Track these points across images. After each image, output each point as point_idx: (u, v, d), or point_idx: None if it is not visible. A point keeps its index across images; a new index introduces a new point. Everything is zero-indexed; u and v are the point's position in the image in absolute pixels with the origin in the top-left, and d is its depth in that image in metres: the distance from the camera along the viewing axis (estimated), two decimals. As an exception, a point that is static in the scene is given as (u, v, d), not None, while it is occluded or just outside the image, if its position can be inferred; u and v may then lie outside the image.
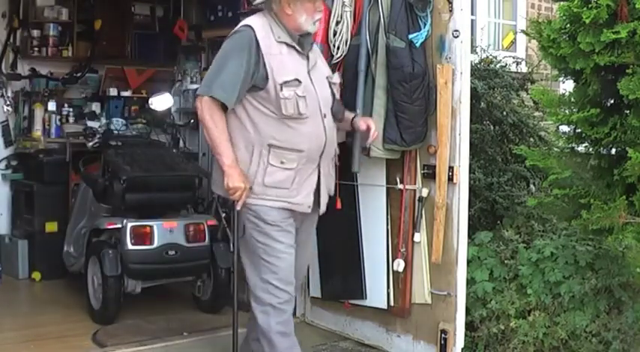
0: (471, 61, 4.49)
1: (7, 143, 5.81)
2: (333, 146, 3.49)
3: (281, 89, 3.27)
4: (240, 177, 3.28)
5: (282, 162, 3.31)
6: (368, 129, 3.58)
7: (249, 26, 3.33)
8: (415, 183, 3.85)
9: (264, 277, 3.38)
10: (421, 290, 3.83)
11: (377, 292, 4.01)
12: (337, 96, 3.56)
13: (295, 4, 3.33)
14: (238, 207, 3.34)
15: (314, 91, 3.37)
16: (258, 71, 3.28)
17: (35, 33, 5.89)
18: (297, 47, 3.38)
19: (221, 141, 3.28)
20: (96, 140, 4.90)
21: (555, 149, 4.24)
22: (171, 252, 4.44)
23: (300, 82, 3.32)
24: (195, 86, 5.98)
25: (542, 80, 5.88)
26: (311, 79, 3.38)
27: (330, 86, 3.51)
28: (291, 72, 3.32)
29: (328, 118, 3.43)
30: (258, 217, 3.34)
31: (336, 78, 3.60)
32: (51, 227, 5.44)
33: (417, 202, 3.84)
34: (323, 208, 3.51)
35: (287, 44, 3.36)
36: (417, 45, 3.66)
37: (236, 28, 3.38)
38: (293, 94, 3.29)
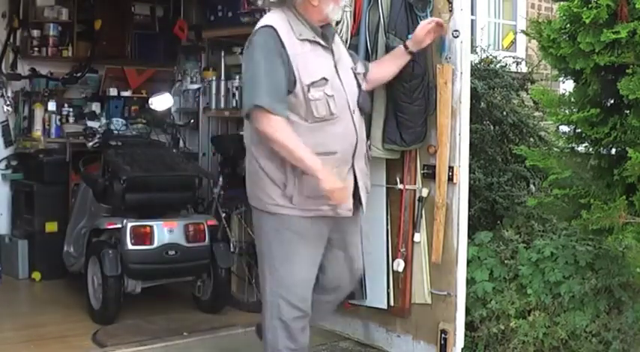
0: (471, 61, 4.49)
1: (7, 143, 5.81)
2: (364, 142, 3.32)
3: (308, 90, 3.09)
4: (333, 175, 3.09)
5: None
6: (432, 32, 3.47)
7: (271, 26, 3.11)
8: (415, 183, 3.85)
9: (276, 290, 3.22)
10: (421, 290, 3.83)
11: (377, 292, 4.00)
12: (363, 87, 3.38)
13: None
14: (340, 211, 3.17)
15: (342, 88, 3.19)
16: (289, 74, 3.09)
17: (35, 33, 5.88)
18: (322, 41, 3.19)
19: (297, 147, 3.05)
20: (96, 140, 4.90)
21: (555, 149, 4.24)
22: (171, 252, 4.44)
23: (327, 80, 3.13)
24: (195, 86, 5.99)
25: (542, 80, 5.88)
26: (338, 74, 3.20)
27: (356, 77, 3.32)
28: (318, 71, 3.13)
29: (357, 114, 3.25)
30: (287, 227, 3.17)
31: (360, 67, 3.42)
32: (51, 227, 5.44)
33: (416, 202, 3.84)
34: (365, 208, 3.36)
35: (309, 41, 3.15)
36: (417, 45, 3.66)
37: (256, 30, 3.15)
38: (322, 95, 3.10)
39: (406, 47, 3.53)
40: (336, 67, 3.22)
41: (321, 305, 3.45)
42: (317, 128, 3.12)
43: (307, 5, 3.17)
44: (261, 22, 3.18)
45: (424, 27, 3.51)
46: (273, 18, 3.17)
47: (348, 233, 3.37)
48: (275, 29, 3.10)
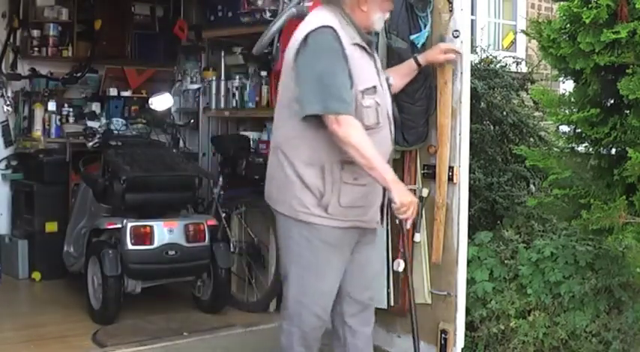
0: (471, 61, 4.49)
1: (7, 143, 5.80)
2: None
3: (362, 97, 2.99)
4: (407, 189, 3.04)
5: (355, 179, 3.01)
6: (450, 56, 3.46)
7: (330, 27, 2.96)
8: (415, 183, 3.85)
9: (301, 299, 3.12)
10: (421, 290, 3.83)
11: (377, 292, 3.99)
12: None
13: (374, 1, 3.07)
14: (408, 226, 3.12)
15: (384, 97, 3.12)
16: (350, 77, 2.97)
17: (35, 33, 5.87)
18: (368, 48, 3.10)
19: (374, 155, 2.93)
20: (96, 140, 4.89)
21: (555, 149, 4.25)
22: (171, 252, 4.43)
23: (375, 88, 3.05)
24: (195, 86, 5.98)
25: (542, 80, 5.89)
26: (380, 83, 3.12)
27: (389, 87, 3.25)
28: (369, 78, 3.04)
29: (392, 124, 3.19)
30: (319, 237, 3.04)
31: (392, 79, 3.35)
32: (51, 227, 5.43)
33: (417, 202, 3.83)
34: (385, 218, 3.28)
35: (359, 45, 3.05)
36: (419, 46, 3.67)
37: (315, 28, 2.97)
38: (374, 102, 3.02)
39: (419, 65, 3.53)
40: (378, 75, 3.15)
41: (346, 320, 3.29)
42: None
43: (355, 9, 3.07)
44: (317, 21, 3.01)
45: (441, 55, 3.51)
46: (327, 17, 3.02)
47: (362, 242, 3.25)
48: (335, 30, 2.97)
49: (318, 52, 2.95)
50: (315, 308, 3.13)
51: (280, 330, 3.23)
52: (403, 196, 2.97)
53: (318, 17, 3.04)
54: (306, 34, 2.97)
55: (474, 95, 4.58)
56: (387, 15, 3.21)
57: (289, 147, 3.05)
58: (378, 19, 3.13)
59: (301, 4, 3.88)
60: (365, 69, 3.05)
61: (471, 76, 3.96)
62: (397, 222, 3.16)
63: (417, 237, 3.82)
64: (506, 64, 5.67)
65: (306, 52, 2.97)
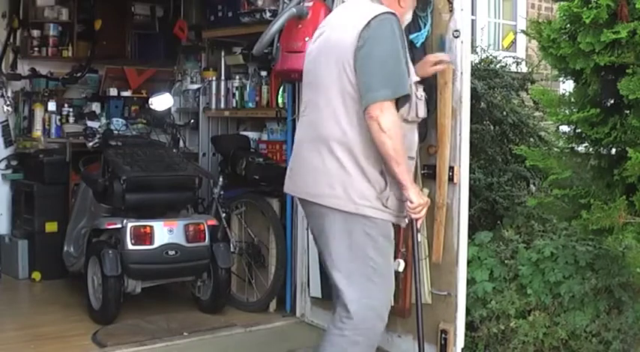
0: (471, 61, 4.49)
1: (7, 143, 5.81)
2: None
3: (416, 89, 3.02)
4: (420, 189, 3.07)
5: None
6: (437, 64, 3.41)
7: (394, 14, 2.92)
8: (415, 183, 3.84)
9: (372, 303, 2.98)
10: (421, 290, 3.82)
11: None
12: None
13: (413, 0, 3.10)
14: (419, 226, 3.14)
15: None
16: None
17: (35, 33, 5.88)
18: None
19: (404, 152, 2.91)
20: (96, 140, 4.90)
21: (555, 149, 4.24)
22: (171, 252, 4.43)
23: (420, 82, 3.10)
24: (195, 86, 5.99)
25: (542, 80, 5.89)
26: None
27: None
28: (414, 72, 3.07)
29: None
30: (380, 232, 2.98)
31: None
32: (51, 227, 5.43)
33: (417, 202, 3.83)
34: None
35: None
36: (418, 45, 3.66)
37: (383, 13, 2.90)
38: (423, 94, 3.06)
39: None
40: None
41: None
42: (408, 130, 3.02)
43: (395, 6, 3.06)
44: (374, 9, 2.94)
45: (431, 68, 3.47)
46: (380, 7, 2.96)
47: None
48: (397, 17, 2.94)
49: (384, 37, 2.88)
50: (384, 311, 3.04)
51: (340, 337, 2.99)
52: (419, 196, 3.00)
53: (371, 6, 2.96)
54: (370, 20, 2.88)
55: (474, 95, 4.59)
56: (411, 16, 3.22)
57: (346, 139, 2.93)
58: (407, 20, 3.15)
59: (301, 4, 3.89)
60: (411, 63, 3.05)
61: (471, 76, 3.95)
62: (407, 221, 3.15)
63: (418, 237, 3.81)
64: (506, 64, 5.67)
65: (371, 38, 2.87)
